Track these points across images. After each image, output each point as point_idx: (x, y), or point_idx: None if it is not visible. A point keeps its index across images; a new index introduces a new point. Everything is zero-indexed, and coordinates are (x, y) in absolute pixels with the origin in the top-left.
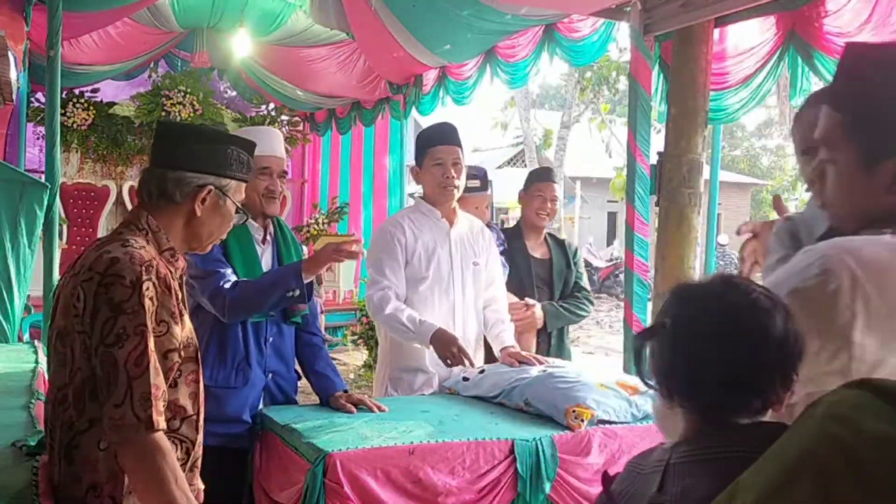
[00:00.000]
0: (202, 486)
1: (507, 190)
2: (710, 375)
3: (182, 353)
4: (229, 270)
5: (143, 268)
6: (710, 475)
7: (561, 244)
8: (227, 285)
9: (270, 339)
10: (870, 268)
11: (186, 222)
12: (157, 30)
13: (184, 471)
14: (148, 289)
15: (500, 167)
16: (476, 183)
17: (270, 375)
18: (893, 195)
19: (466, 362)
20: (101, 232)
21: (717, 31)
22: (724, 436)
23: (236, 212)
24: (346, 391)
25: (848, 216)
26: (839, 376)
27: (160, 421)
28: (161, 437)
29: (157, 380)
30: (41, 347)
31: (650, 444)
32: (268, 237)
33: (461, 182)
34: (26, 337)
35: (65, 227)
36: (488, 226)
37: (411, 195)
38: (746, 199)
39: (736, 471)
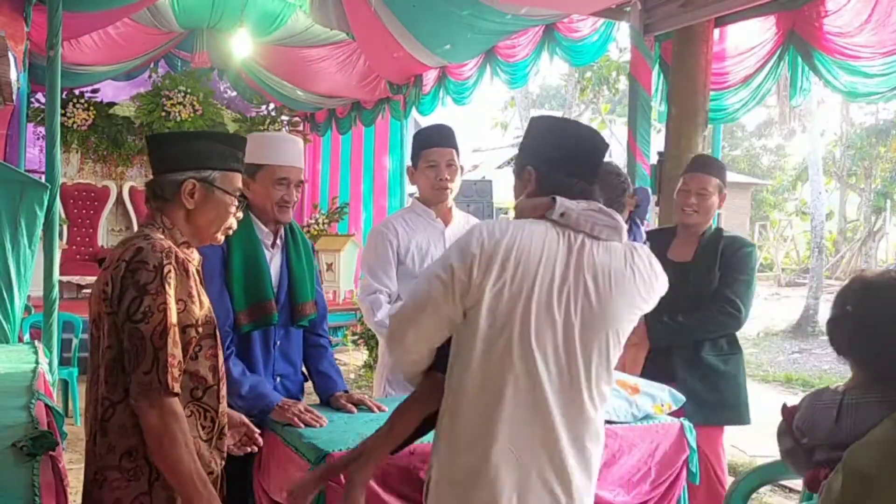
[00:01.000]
0: (225, 458)
1: (506, 190)
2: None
3: (200, 329)
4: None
5: (164, 254)
6: (881, 413)
7: (716, 243)
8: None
9: (278, 343)
10: (487, 230)
11: (186, 217)
12: (157, 30)
13: (211, 437)
14: (168, 272)
15: (500, 167)
16: None
17: (278, 379)
18: (528, 193)
19: None
20: (102, 232)
21: (717, 31)
22: (890, 385)
23: (242, 198)
24: (346, 391)
25: (517, 214)
26: (477, 292)
27: (175, 386)
28: (176, 402)
29: (175, 350)
30: (41, 347)
31: (651, 444)
32: (277, 241)
33: (455, 184)
34: (26, 337)
35: (65, 227)
36: (627, 222)
37: (411, 195)
38: (746, 199)
39: None
